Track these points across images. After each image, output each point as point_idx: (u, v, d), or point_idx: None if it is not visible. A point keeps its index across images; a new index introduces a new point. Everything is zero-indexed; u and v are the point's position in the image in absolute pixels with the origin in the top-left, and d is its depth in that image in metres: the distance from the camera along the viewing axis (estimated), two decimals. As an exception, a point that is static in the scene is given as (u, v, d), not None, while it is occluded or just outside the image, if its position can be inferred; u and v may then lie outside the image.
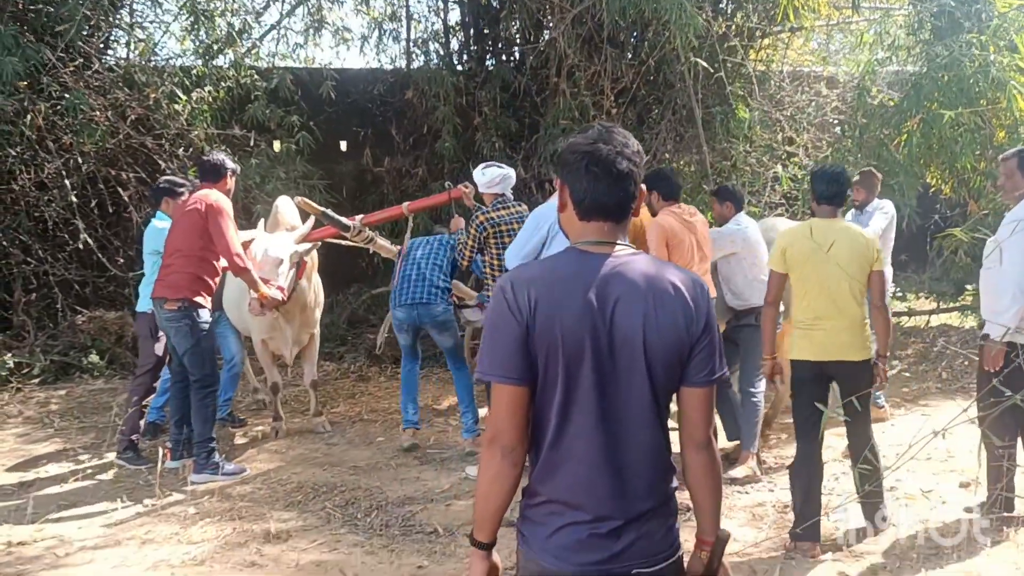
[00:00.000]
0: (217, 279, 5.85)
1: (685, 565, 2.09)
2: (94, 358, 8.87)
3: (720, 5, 9.76)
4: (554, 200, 5.38)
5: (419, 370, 6.47)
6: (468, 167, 6.89)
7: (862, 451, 4.32)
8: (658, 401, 1.98)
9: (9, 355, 8.66)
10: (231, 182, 5.92)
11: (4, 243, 9.05)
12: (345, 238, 6.78)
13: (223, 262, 5.75)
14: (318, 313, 6.83)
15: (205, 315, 5.69)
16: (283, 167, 9.63)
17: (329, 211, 6.52)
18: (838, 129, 9.97)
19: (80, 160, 8.85)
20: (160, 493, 5.39)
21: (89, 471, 5.92)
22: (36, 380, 8.53)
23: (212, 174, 5.82)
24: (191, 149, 9.31)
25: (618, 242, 2.02)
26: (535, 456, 2.01)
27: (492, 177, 5.83)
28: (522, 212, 5.81)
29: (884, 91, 9.08)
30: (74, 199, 8.76)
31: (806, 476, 4.39)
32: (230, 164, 5.93)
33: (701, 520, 2.11)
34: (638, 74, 9.33)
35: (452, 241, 6.33)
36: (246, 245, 6.05)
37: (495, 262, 5.77)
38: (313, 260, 6.62)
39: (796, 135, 10.14)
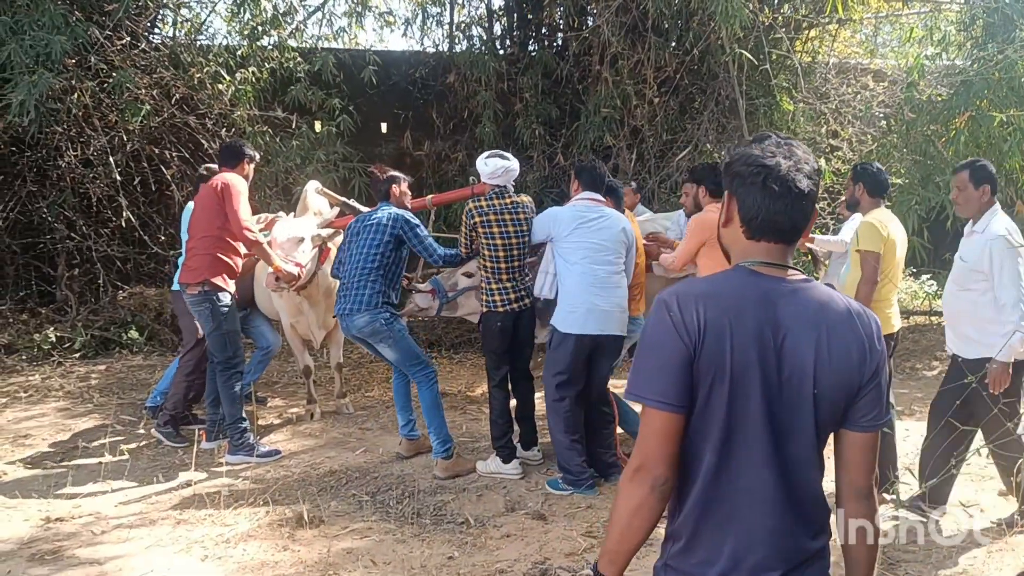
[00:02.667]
0: (238, 260, 5.89)
1: None
2: (134, 334, 9.05)
3: (767, -4, 9.61)
4: (569, 207, 5.34)
5: (406, 379, 5.81)
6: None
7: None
8: (820, 440, 1.82)
9: (51, 329, 8.86)
10: (249, 168, 5.98)
11: (49, 219, 9.24)
12: None
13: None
14: None
15: (226, 298, 5.75)
16: (323, 149, 9.67)
17: (351, 201, 6.57)
18: (884, 123, 9.81)
19: (125, 138, 8.96)
20: (195, 474, 5.47)
21: (127, 448, 6.01)
22: (77, 355, 8.71)
23: (231, 158, 5.90)
24: (233, 129, 9.39)
25: (790, 265, 1.85)
26: (683, 494, 1.83)
27: (496, 168, 5.47)
28: (517, 203, 5.48)
29: (933, 86, 8.90)
30: (118, 176, 8.89)
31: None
32: (249, 151, 6.01)
33: None
34: (681, 64, 9.24)
35: (399, 222, 5.52)
36: (270, 224, 6.16)
37: (486, 252, 5.45)
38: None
39: (841, 128, 10.00)
